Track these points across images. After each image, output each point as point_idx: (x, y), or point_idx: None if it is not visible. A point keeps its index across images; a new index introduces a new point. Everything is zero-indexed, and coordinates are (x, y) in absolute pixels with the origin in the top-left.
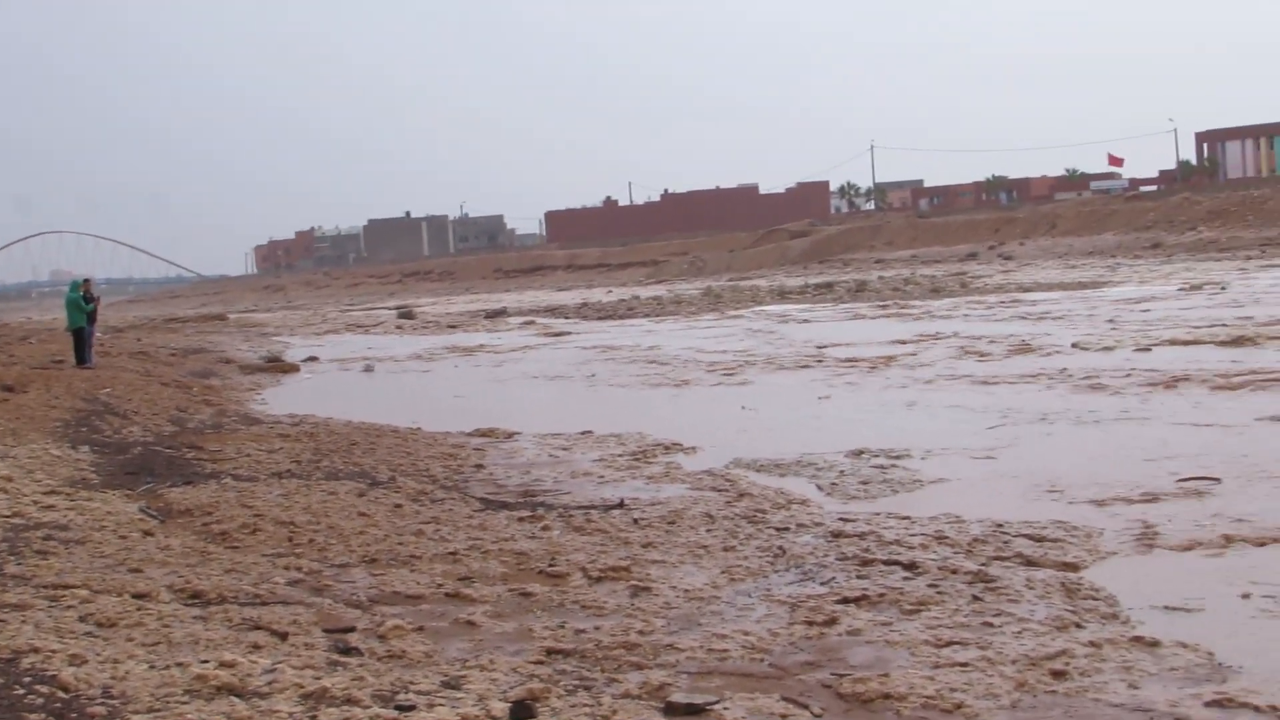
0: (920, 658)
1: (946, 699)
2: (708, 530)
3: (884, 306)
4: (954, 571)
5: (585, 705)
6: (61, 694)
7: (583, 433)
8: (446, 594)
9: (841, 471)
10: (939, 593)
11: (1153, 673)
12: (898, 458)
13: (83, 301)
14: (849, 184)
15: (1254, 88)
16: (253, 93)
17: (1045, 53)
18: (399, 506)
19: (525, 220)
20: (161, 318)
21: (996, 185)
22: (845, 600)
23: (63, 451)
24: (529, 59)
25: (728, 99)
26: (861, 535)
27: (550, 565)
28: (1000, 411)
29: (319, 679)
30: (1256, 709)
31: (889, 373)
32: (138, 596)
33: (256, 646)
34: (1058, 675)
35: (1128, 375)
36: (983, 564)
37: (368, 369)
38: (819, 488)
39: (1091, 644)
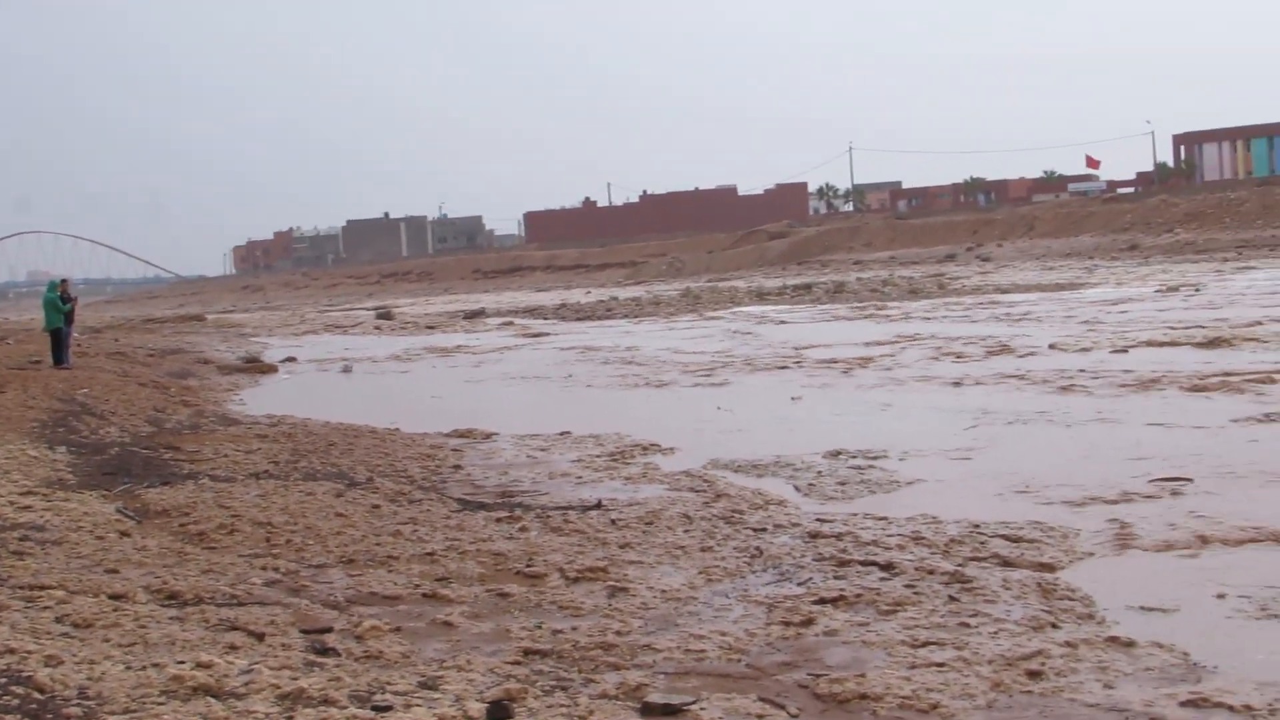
0: (897, 658)
1: (923, 699)
2: (685, 531)
3: (862, 308)
4: (931, 572)
5: (562, 706)
6: (37, 695)
7: (561, 433)
8: (424, 594)
9: (819, 472)
10: (915, 593)
11: (1128, 673)
12: (875, 458)
13: (60, 302)
14: (827, 185)
15: (1231, 90)
16: (231, 93)
17: (1023, 55)
18: (377, 507)
19: (504, 221)
20: (139, 318)
21: (974, 187)
22: (822, 601)
23: (40, 452)
24: (508, 60)
25: (706, 100)
26: (839, 536)
27: (528, 566)
28: (977, 412)
29: (296, 679)
30: (1231, 709)
31: (866, 374)
32: (114, 597)
33: (233, 647)
34: (1033, 675)
35: (1104, 376)
36: (959, 564)
37: (346, 370)
38: (796, 488)
39: (1067, 644)
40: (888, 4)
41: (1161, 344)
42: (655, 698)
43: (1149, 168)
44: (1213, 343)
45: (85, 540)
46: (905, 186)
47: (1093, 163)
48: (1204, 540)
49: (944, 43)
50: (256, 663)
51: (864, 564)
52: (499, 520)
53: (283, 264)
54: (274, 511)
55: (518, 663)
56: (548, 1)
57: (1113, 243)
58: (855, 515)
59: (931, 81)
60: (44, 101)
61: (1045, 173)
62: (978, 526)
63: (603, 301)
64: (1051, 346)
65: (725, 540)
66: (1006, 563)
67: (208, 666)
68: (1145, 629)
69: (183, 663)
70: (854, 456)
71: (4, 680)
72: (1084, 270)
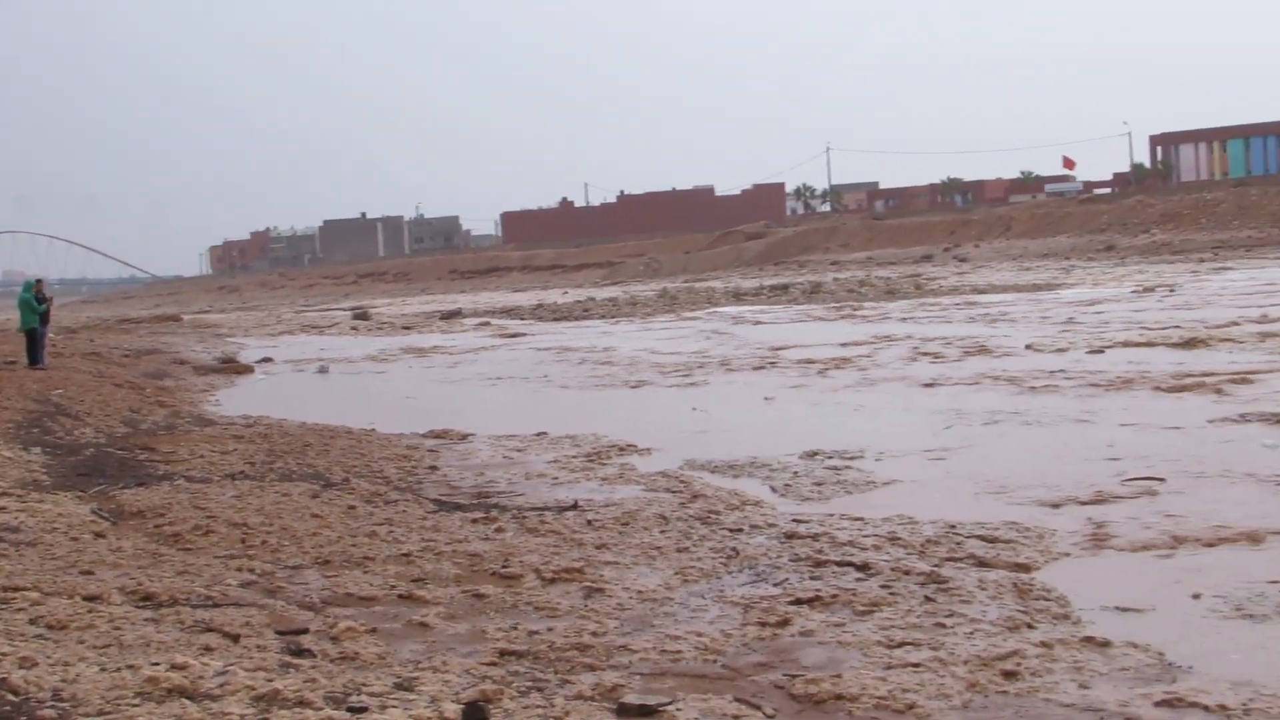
0: (873, 658)
1: (899, 699)
2: (661, 531)
3: (839, 308)
4: (907, 572)
5: (538, 706)
6: (11, 696)
7: (537, 434)
8: (400, 595)
9: (795, 473)
10: (892, 594)
11: (1103, 673)
12: (851, 459)
13: (35, 302)
14: (805, 186)
15: (1207, 91)
16: (208, 94)
17: (1000, 56)
18: (353, 508)
19: (481, 221)
20: (115, 318)
21: (952, 187)
22: (798, 601)
23: (14, 453)
24: (485, 61)
25: (683, 101)
26: (815, 536)
27: (504, 567)
28: (953, 413)
29: (271, 681)
30: (1206, 709)
31: (843, 374)
32: (89, 599)
33: (208, 648)
34: (1009, 675)
35: (1081, 377)
36: (935, 565)
37: (322, 370)
38: (773, 489)
39: (1043, 644)
40: (865, 5)
41: (1137, 344)
42: (631, 698)
43: (1126, 168)
44: (1188, 343)
45: (60, 542)
46: (882, 187)
47: (1068, 163)
48: (1179, 540)
49: (921, 43)
50: (232, 664)
51: (840, 564)
52: (475, 521)
53: (259, 264)
54: (249, 512)
55: (494, 664)
56: (526, 3)
57: (1089, 243)
58: (831, 516)
59: (909, 82)
60: (19, 102)
61: (1022, 173)
62: (954, 527)
63: (580, 302)
64: (1028, 347)
65: (701, 541)
66: (982, 563)
67: (183, 668)
68: (1120, 629)
69: (158, 664)
70: (830, 457)
71: None
72: (1061, 271)
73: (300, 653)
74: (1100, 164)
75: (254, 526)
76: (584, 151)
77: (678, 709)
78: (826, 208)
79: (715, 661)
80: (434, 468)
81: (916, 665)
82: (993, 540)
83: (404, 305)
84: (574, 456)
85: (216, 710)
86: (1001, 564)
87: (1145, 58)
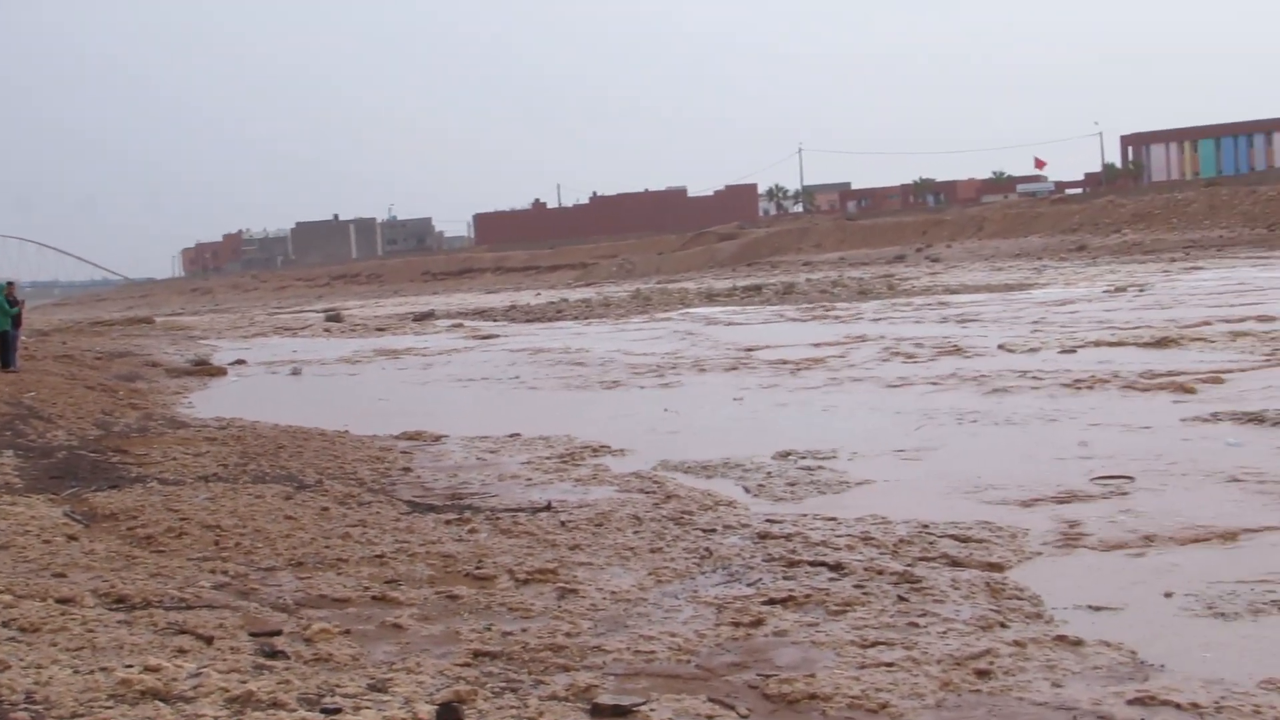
0: (846, 658)
1: (872, 699)
2: (635, 532)
3: (811, 309)
4: (880, 572)
5: (512, 707)
6: None
7: (510, 435)
8: (373, 597)
9: (768, 473)
10: (865, 593)
11: (1076, 671)
12: (824, 459)
13: (7, 305)
14: (777, 187)
15: (1178, 92)
16: (179, 95)
17: (971, 56)
18: (326, 510)
19: (453, 223)
20: (87, 321)
21: (924, 188)
22: (772, 601)
23: None
24: (457, 63)
25: (655, 102)
26: (788, 536)
27: (477, 568)
28: (926, 412)
29: (245, 682)
30: (1178, 706)
31: (816, 374)
32: (62, 601)
33: (182, 651)
34: (982, 675)
35: (1053, 376)
36: (908, 565)
37: (295, 372)
38: (746, 489)
39: (1016, 643)
40: (838, 9)
41: (1109, 344)
42: (605, 699)
43: (1097, 168)
44: (1160, 343)
45: (32, 544)
46: (855, 187)
47: (1039, 164)
48: (1150, 539)
49: (892, 46)
50: (205, 666)
51: (813, 564)
52: (448, 522)
53: (232, 266)
54: (223, 514)
55: (467, 664)
56: (495, 4)
57: (1061, 243)
58: (804, 516)
59: (881, 82)
60: None
61: (994, 173)
62: (926, 527)
63: (553, 303)
64: (1000, 347)
65: (675, 541)
66: (955, 563)
67: (156, 670)
68: (1093, 628)
69: (131, 666)
70: (803, 457)
71: None
72: (1033, 271)
73: (274, 654)
74: (1072, 164)
75: (227, 529)
76: (556, 152)
77: (651, 709)
78: (799, 208)
79: (689, 662)
80: (407, 469)
81: (890, 665)
82: (965, 540)
83: (377, 307)
84: (547, 458)
85: (190, 712)
86: (974, 563)
87: (1116, 58)
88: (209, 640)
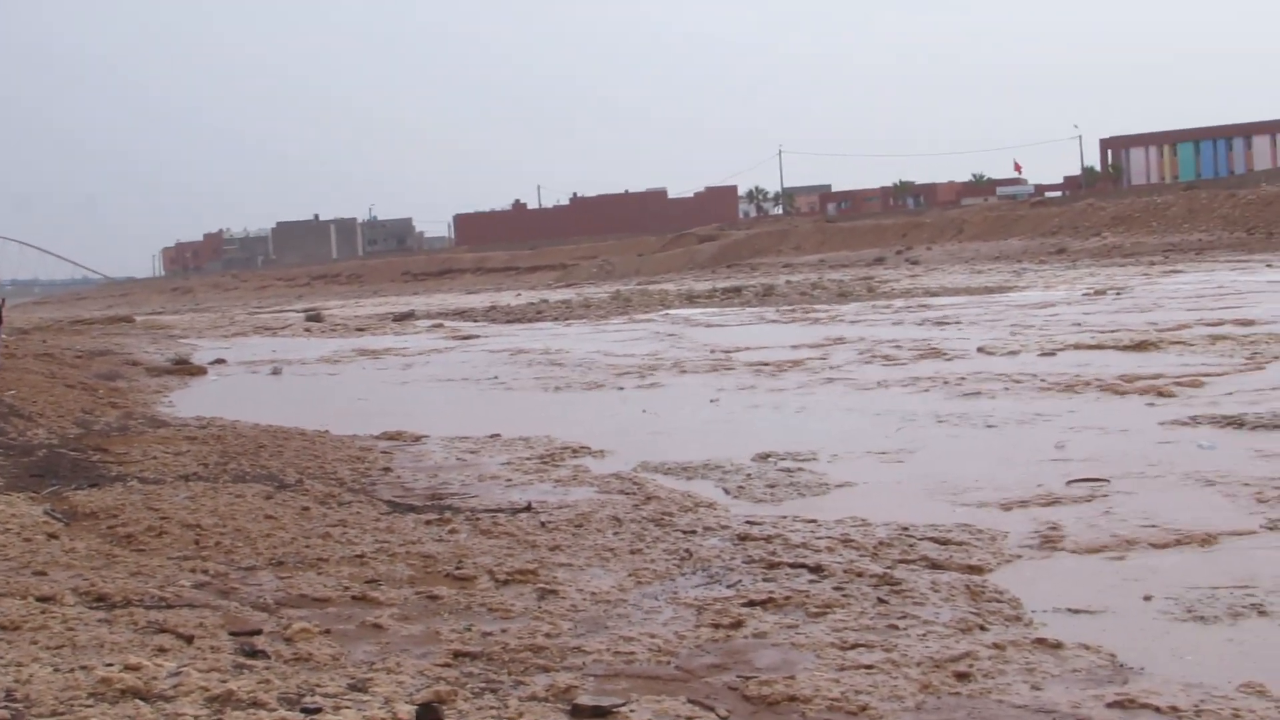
0: (826, 660)
1: (852, 701)
2: (615, 533)
3: (791, 310)
4: (860, 574)
5: (492, 708)
6: None
7: (491, 436)
8: (353, 597)
9: (748, 475)
10: (845, 595)
11: (1056, 674)
12: (804, 461)
13: None
14: (757, 188)
15: (1157, 95)
16: (160, 94)
17: (950, 60)
18: (306, 509)
19: (434, 223)
20: (68, 319)
21: (904, 190)
22: (752, 603)
23: None
24: (437, 63)
25: (635, 104)
26: (768, 538)
27: (457, 568)
28: (906, 415)
29: (225, 682)
30: (1158, 710)
31: (796, 376)
32: (42, 600)
33: (162, 649)
34: (962, 677)
35: (1032, 379)
36: (888, 567)
37: (275, 372)
38: (726, 491)
39: (995, 646)
40: (817, 8)
41: (1089, 347)
42: (585, 699)
43: (1077, 171)
44: (1139, 346)
45: (12, 542)
46: (835, 189)
47: (1017, 166)
48: (1130, 543)
49: (872, 48)
50: (185, 665)
51: (793, 566)
52: (429, 523)
53: (212, 265)
54: (203, 514)
55: (447, 665)
56: (477, 5)
57: (1041, 246)
58: (785, 518)
59: (861, 85)
60: None
61: (974, 176)
62: (906, 529)
63: (533, 304)
64: (980, 349)
65: (655, 543)
66: (935, 565)
67: (136, 669)
68: (1073, 631)
69: (111, 665)
70: (783, 459)
71: None
72: (1013, 273)
73: (254, 654)
74: (1051, 167)
75: (207, 528)
76: (536, 153)
77: (631, 710)
78: (779, 210)
79: (669, 663)
80: (387, 469)
81: (870, 667)
82: (945, 542)
83: (357, 307)
84: (527, 458)
85: (170, 711)
86: (954, 566)
87: (1096, 61)
88: (189, 639)
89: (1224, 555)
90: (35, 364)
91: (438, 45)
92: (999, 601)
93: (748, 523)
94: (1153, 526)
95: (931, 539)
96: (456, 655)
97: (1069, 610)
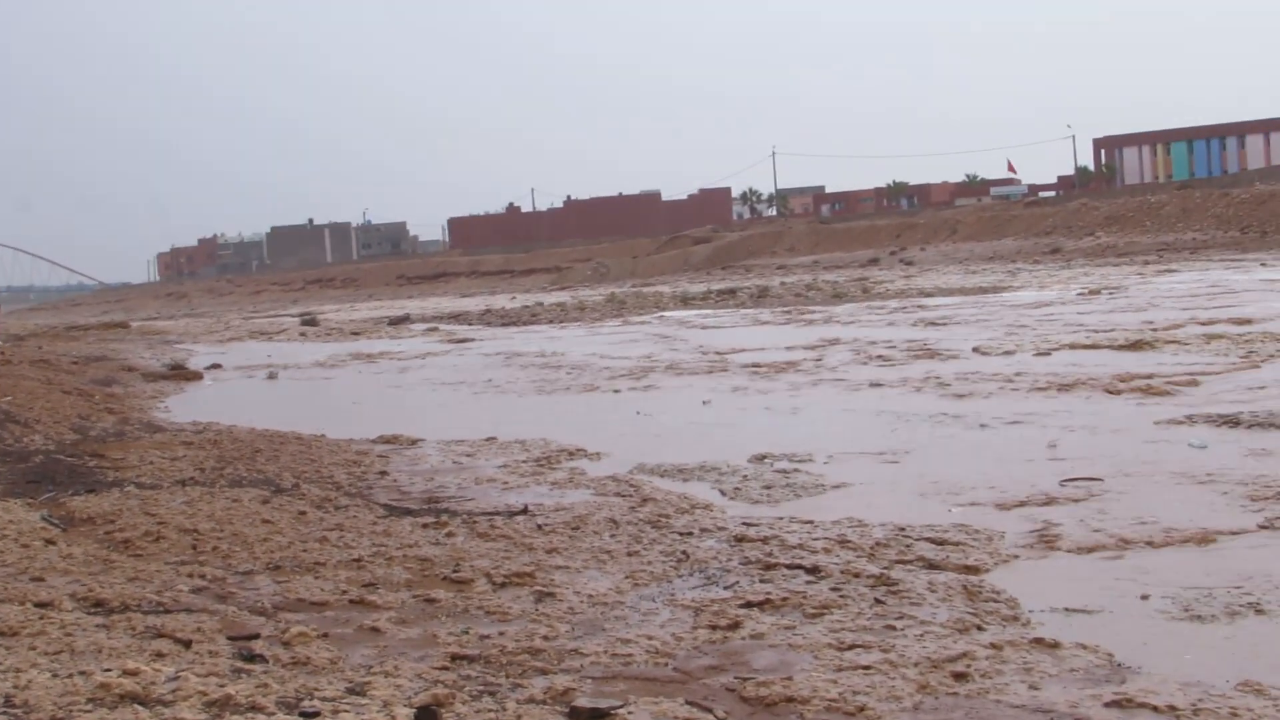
0: (823, 661)
1: (849, 701)
2: (611, 535)
3: (786, 312)
4: (856, 575)
5: (490, 711)
6: None
7: (486, 439)
8: (351, 600)
9: (745, 476)
10: (842, 596)
11: (1053, 674)
12: (800, 462)
13: None
14: (751, 190)
15: (1150, 94)
16: (152, 102)
17: (943, 59)
18: (303, 513)
19: (428, 227)
20: (63, 325)
21: (897, 191)
22: (749, 604)
23: None
24: (430, 67)
25: (628, 106)
26: (765, 539)
27: (454, 571)
28: (901, 415)
29: (223, 686)
30: (1155, 709)
31: (791, 377)
32: (40, 605)
33: (160, 654)
34: (959, 677)
35: (1027, 379)
36: (885, 567)
37: (271, 376)
38: (722, 492)
39: (993, 646)
40: (806, 6)
41: (1084, 347)
42: (583, 702)
43: (1070, 171)
44: (1134, 345)
45: (10, 548)
46: (829, 191)
47: (1010, 167)
48: (1126, 542)
49: (865, 48)
50: (183, 670)
51: (790, 567)
52: (425, 526)
53: (207, 271)
54: (200, 518)
55: (445, 668)
56: (468, 10)
57: (1035, 246)
58: (781, 519)
59: (854, 85)
60: None
61: (967, 176)
62: (903, 529)
63: (528, 307)
64: (975, 350)
65: (652, 545)
66: (932, 565)
67: (134, 674)
68: (1070, 630)
69: (109, 670)
70: (779, 460)
71: None
72: (1007, 274)
73: (252, 658)
74: (1045, 167)
75: (204, 532)
76: (530, 157)
77: (629, 712)
78: (773, 212)
79: (666, 665)
80: (384, 473)
81: (867, 667)
82: (942, 542)
83: (352, 311)
84: (523, 461)
85: (169, 716)
86: (951, 566)
87: (1088, 61)
88: (187, 644)
89: (1221, 554)
90: (31, 370)
91: (431, 50)
92: (996, 601)
93: (744, 524)
94: (1149, 526)
95: (928, 539)
96: (454, 658)
97: (1066, 610)
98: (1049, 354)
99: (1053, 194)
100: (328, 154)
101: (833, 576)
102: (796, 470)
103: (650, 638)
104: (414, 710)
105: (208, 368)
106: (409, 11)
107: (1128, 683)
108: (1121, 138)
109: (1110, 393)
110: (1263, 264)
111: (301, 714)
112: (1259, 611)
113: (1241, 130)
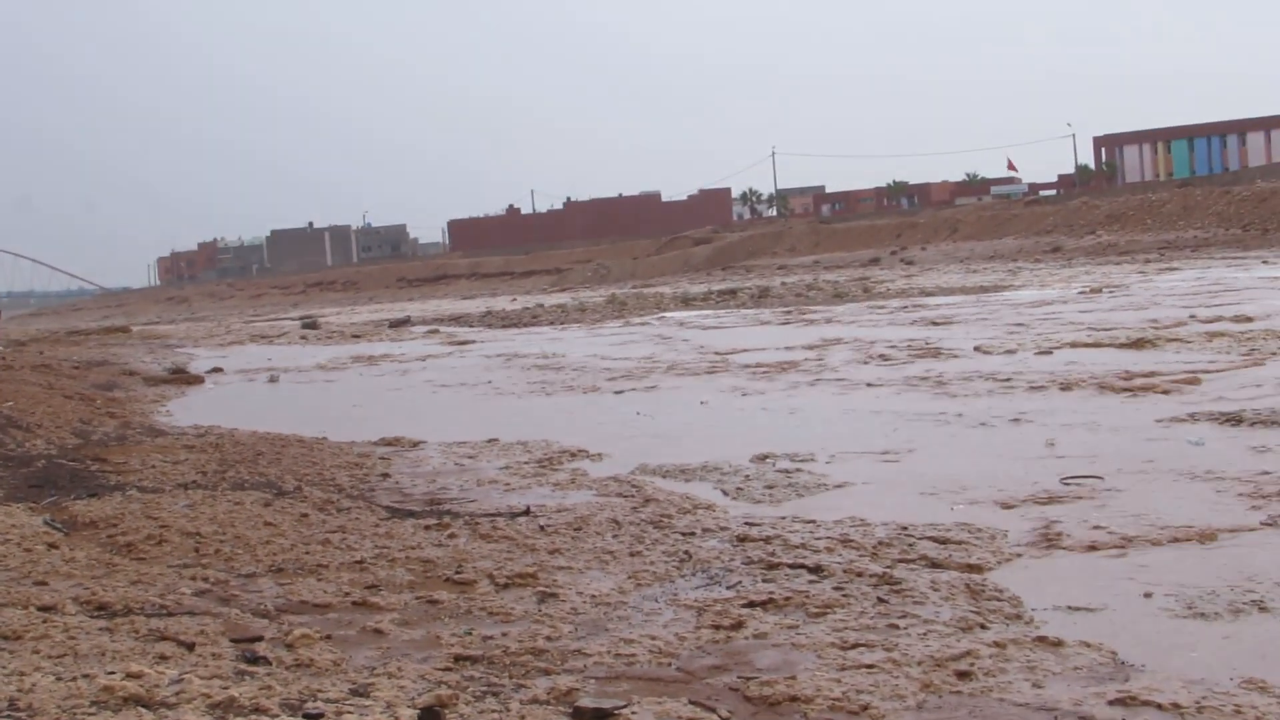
0: (827, 660)
1: (853, 700)
2: (614, 536)
3: (787, 312)
4: (859, 574)
5: (494, 711)
6: None
7: (488, 441)
8: (354, 602)
9: (746, 476)
10: (844, 595)
11: (1057, 672)
12: (802, 462)
13: None
14: (751, 190)
15: (1150, 92)
16: (151, 104)
17: (943, 59)
18: (305, 516)
19: (428, 229)
20: (64, 330)
21: (898, 190)
22: (751, 604)
23: None
24: (428, 71)
25: (628, 107)
26: (767, 539)
27: (457, 572)
28: (903, 414)
29: (227, 688)
30: (1159, 707)
31: (792, 377)
32: (43, 609)
33: (163, 657)
34: (963, 676)
35: (1029, 378)
36: (888, 566)
37: (272, 379)
38: (724, 492)
39: (996, 644)
40: (808, 8)
41: (1085, 345)
42: (586, 702)
43: (1070, 170)
44: (1136, 343)
45: (13, 553)
46: (829, 191)
47: (1011, 165)
48: (1129, 540)
49: (865, 48)
50: (187, 672)
51: (793, 567)
52: (428, 528)
53: (207, 275)
54: (202, 521)
55: (448, 669)
56: (466, 13)
57: (1036, 245)
58: (783, 518)
59: (853, 86)
60: None
61: (967, 175)
62: (906, 528)
63: (528, 309)
64: (976, 349)
65: (654, 545)
66: (935, 564)
67: (138, 677)
68: (1073, 628)
69: (113, 673)
70: (781, 460)
71: None
72: (1008, 273)
73: (255, 660)
74: (1045, 166)
75: (207, 535)
76: (530, 158)
77: (633, 712)
78: (773, 212)
79: (670, 665)
80: (386, 475)
81: (870, 666)
82: (944, 541)
83: (353, 314)
84: (525, 462)
85: (173, 718)
86: (954, 565)
87: (1088, 59)
88: (190, 647)
89: (1224, 552)
90: (33, 375)
91: (428, 53)
92: (999, 600)
93: (747, 524)
94: (1151, 524)
95: (930, 538)
96: (457, 659)
97: (1069, 608)
98: (1050, 353)
99: (1053, 193)
100: (328, 155)
101: (835, 576)
102: (798, 470)
103: (653, 638)
104: (417, 711)
105: (209, 371)
106: (409, 11)
107: (1131, 681)
108: (1122, 136)
109: (1113, 391)
110: (1264, 261)
111: (305, 715)
112: (1262, 609)
113: (1242, 128)
